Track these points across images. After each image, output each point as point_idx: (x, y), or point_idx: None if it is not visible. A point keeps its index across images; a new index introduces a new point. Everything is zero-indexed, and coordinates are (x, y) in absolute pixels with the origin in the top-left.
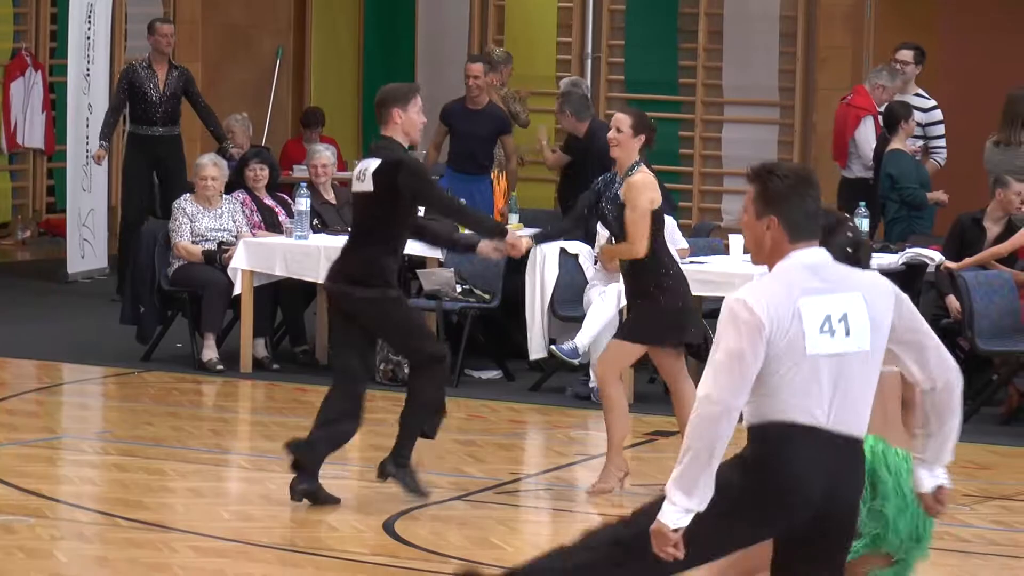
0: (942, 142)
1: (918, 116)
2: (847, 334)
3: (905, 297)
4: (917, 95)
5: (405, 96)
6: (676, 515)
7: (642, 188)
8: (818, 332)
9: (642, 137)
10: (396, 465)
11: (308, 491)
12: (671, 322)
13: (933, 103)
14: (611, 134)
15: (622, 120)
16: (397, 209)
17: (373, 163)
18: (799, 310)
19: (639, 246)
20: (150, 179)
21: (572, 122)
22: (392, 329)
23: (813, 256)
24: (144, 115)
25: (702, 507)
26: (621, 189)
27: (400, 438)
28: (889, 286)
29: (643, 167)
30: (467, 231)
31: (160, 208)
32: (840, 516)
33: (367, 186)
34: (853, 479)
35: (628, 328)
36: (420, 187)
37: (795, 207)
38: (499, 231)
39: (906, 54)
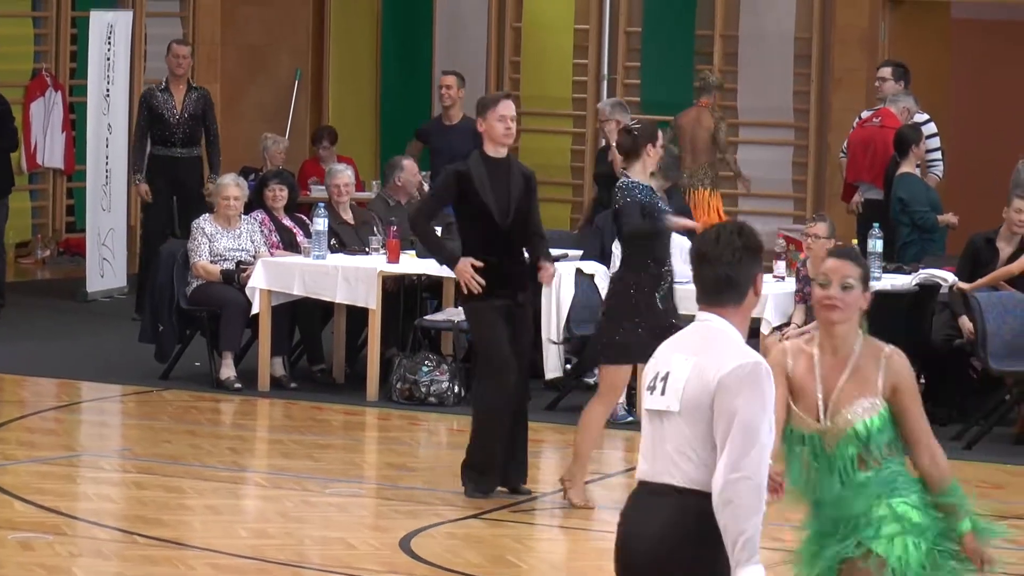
0: (938, 155)
1: None
2: (662, 393)
3: (732, 394)
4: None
5: (485, 106)
6: None
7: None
8: (646, 388)
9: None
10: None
11: None
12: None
13: (926, 116)
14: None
15: None
16: (458, 217)
17: None
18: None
19: None
20: (169, 200)
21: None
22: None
23: (701, 320)
24: (162, 137)
25: None
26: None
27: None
28: (732, 374)
29: None
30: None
31: (179, 228)
32: (665, 567)
33: None
34: (672, 530)
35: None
36: (423, 195)
37: (696, 275)
38: (451, 260)
39: (885, 71)
